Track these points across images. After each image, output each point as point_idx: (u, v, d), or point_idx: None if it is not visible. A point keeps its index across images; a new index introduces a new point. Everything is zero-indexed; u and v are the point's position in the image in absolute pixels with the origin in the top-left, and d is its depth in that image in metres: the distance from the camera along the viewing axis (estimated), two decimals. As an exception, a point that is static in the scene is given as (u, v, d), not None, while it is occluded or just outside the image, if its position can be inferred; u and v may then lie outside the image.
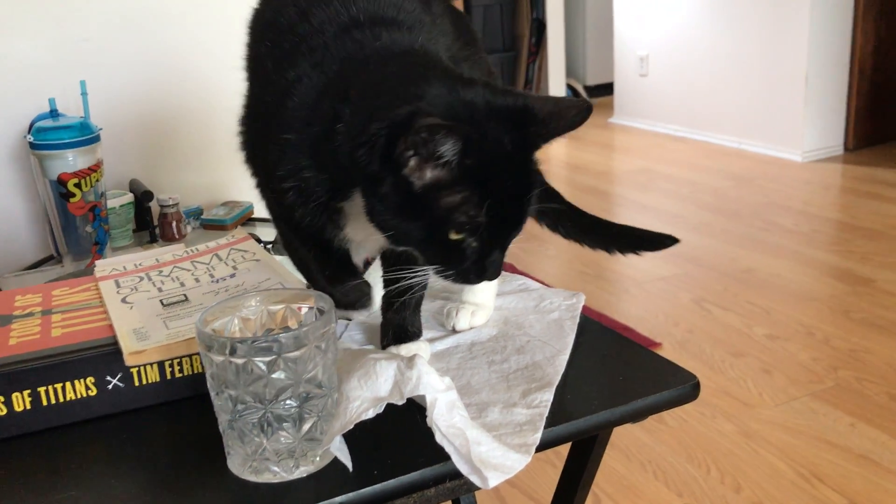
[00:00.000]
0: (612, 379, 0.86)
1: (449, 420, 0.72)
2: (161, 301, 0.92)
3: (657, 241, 1.05)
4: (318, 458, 0.73)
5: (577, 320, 0.98)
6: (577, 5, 6.35)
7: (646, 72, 5.36)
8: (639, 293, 2.88)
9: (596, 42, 6.22)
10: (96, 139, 1.61)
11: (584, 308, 1.02)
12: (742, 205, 3.74)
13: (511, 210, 0.76)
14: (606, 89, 5.95)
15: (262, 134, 0.87)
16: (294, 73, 0.81)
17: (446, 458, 0.70)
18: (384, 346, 0.93)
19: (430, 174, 0.72)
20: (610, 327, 1.02)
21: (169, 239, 1.78)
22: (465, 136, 0.69)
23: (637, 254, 1.08)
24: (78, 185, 1.57)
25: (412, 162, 0.71)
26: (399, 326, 0.93)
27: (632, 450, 1.94)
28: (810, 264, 3.03)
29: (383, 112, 0.72)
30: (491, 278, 0.79)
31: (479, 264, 0.78)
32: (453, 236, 0.75)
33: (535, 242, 3.40)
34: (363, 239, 0.87)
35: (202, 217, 1.90)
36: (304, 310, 0.77)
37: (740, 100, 4.69)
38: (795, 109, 4.34)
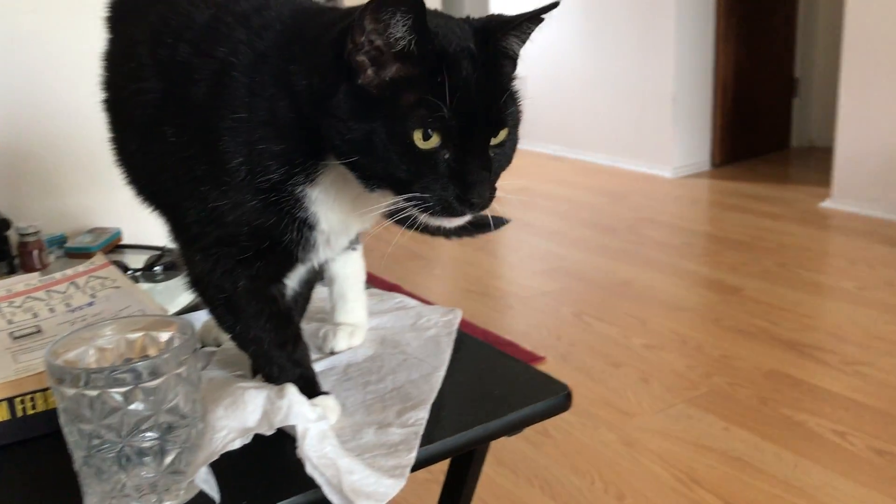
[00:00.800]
0: (487, 394, 0.87)
1: (320, 450, 0.70)
2: (11, 334, 0.86)
3: (488, 224, 0.95)
4: (182, 492, 0.69)
5: (454, 336, 0.98)
6: (456, 28, 6.45)
7: (523, 94, 5.49)
8: (522, 309, 2.92)
9: (475, 64, 6.34)
10: (-56, 165, 1.50)
11: (467, 325, 1.02)
12: (617, 220, 3.87)
13: (483, 110, 0.71)
14: (487, 110, 6.07)
15: (187, 133, 0.76)
16: (220, 56, 0.74)
17: (319, 486, 0.68)
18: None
19: (386, 72, 0.68)
20: (493, 343, 1.02)
21: (29, 269, 1.68)
22: (413, 7, 0.65)
23: (472, 236, 1.02)
24: (-77, 214, 1.46)
25: (364, 62, 0.68)
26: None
27: (519, 465, 1.95)
28: (682, 275, 3.16)
29: (329, 34, 0.70)
30: (479, 201, 0.72)
31: (460, 180, 0.71)
32: (420, 142, 0.68)
33: (421, 262, 3.41)
34: (336, 225, 0.79)
35: (66, 245, 1.81)
36: (165, 337, 0.74)
37: (613, 120, 4.87)
38: (665, 128, 4.54)
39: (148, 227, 1.87)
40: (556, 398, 0.84)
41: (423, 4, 0.66)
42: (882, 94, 3.56)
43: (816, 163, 4.56)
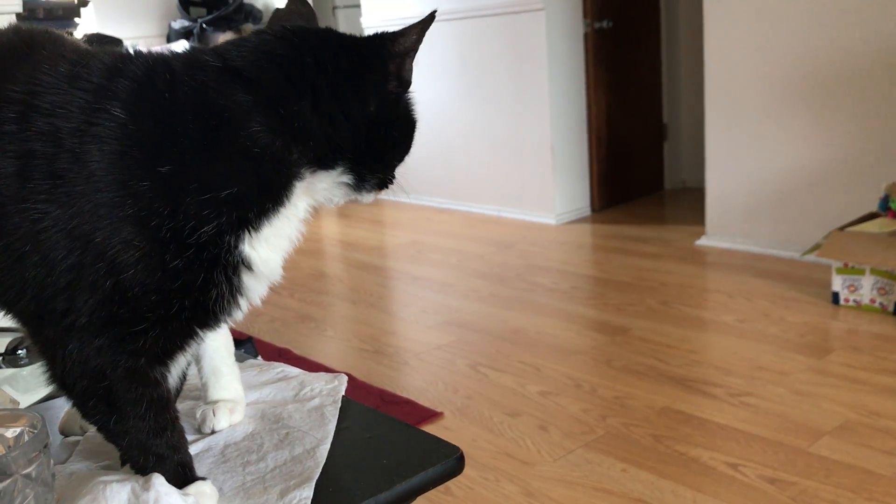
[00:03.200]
0: (376, 463, 0.83)
1: (194, 541, 0.64)
2: None
3: None
4: None
5: (339, 405, 0.94)
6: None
7: (407, 148, 5.53)
8: (418, 364, 2.89)
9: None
10: None
11: (362, 386, 0.98)
12: (506, 269, 3.92)
13: None
14: (371, 167, 6.08)
15: (77, 202, 0.68)
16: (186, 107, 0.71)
17: (192, 582, 0.62)
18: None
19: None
20: (389, 402, 0.98)
21: None
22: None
23: None
24: None
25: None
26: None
27: (421, 527, 1.90)
28: (572, 319, 3.20)
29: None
30: None
31: None
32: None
33: (311, 323, 3.33)
34: (272, 266, 0.76)
35: (-84, 333, 1.66)
36: (13, 433, 0.67)
37: (495, 171, 4.96)
38: (545, 176, 4.66)
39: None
40: (447, 462, 0.81)
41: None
42: (745, 135, 3.77)
43: (690, 203, 4.76)
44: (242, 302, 0.76)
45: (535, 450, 2.21)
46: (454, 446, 0.84)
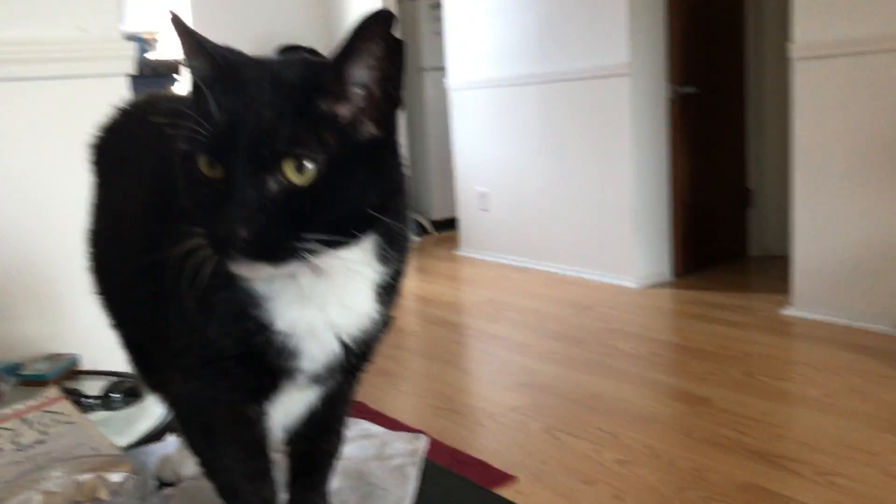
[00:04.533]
0: (456, 527, 0.83)
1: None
2: (-47, 477, 0.82)
3: None
4: None
5: (420, 465, 0.95)
6: (420, 145, 6.61)
7: (486, 207, 5.59)
8: (492, 425, 2.88)
9: (440, 179, 6.47)
10: None
11: (435, 444, 0.99)
12: (584, 331, 3.88)
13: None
14: (452, 223, 6.15)
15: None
16: None
17: None
18: None
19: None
20: (462, 463, 0.99)
21: (-20, 400, 1.62)
22: None
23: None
24: None
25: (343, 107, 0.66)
26: None
27: (491, 593, 1.87)
28: (652, 386, 3.14)
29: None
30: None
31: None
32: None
33: (386, 377, 3.36)
34: (300, 329, 0.72)
35: (21, 373, 1.76)
36: (118, 478, 0.70)
37: (575, 231, 4.95)
38: (626, 239, 4.63)
39: (106, 353, 1.83)
40: (526, 530, 0.81)
41: None
42: (833, 202, 3.68)
43: (775, 271, 4.65)
44: (291, 358, 0.73)
45: (611, 520, 2.16)
46: (534, 514, 0.84)
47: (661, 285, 4.65)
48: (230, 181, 0.62)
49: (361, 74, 0.66)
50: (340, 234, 0.65)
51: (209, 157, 0.64)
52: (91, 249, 0.94)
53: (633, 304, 4.33)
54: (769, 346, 3.52)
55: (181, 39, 0.67)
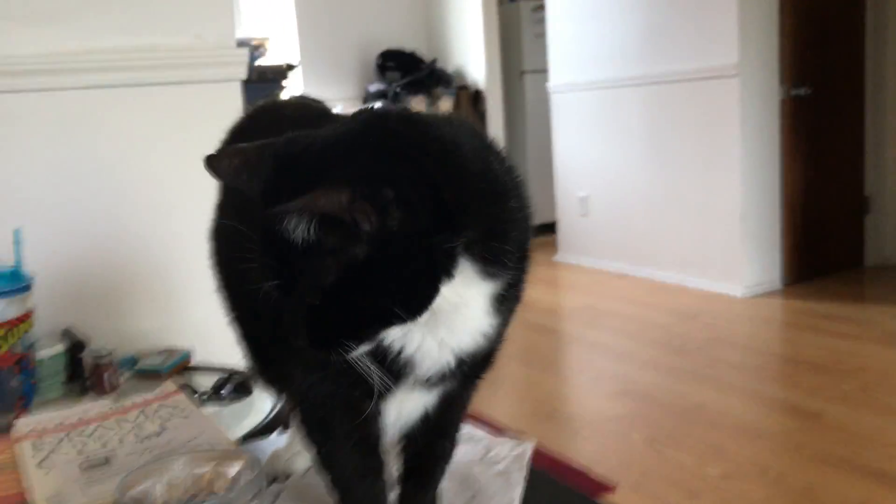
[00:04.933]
0: (562, 536, 0.82)
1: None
2: (80, 465, 0.86)
3: None
4: None
5: (525, 472, 0.94)
6: (519, 150, 6.59)
7: (586, 211, 5.52)
8: (590, 434, 2.83)
9: (538, 184, 6.43)
10: (27, 288, 1.56)
11: (537, 451, 0.98)
12: (688, 340, 3.78)
13: None
14: (550, 228, 6.10)
15: None
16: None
17: None
18: None
19: None
20: (563, 472, 0.97)
21: (100, 390, 1.70)
22: None
23: None
24: (5, 337, 1.51)
25: None
26: None
27: None
28: (759, 400, 3.03)
29: None
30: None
31: None
32: None
33: (485, 382, 3.35)
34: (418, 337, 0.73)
35: (137, 366, 1.84)
36: (233, 471, 0.72)
37: (679, 237, 4.83)
38: (733, 246, 4.48)
39: (216, 348, 1.90)
40: (635, 544, 0.79)
41: None
42: (960, 212, 3.46)
43: (893, 282, 4.41)
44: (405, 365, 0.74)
45: (715, 536, 2.09)
46: (643, 528, 0.81)
47: (770, 294, 4.48)
48: None
49: None
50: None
51: None
52: (214, 245, 0.96)
53: (739, 314, 4.19)
54: (887, 360, 3.34)
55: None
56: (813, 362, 3.37)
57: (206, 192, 1.03)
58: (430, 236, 0.64)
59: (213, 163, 0.68)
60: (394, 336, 0.70)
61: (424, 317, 0.67)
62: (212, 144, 1.01)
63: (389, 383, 0.74)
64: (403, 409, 0.79)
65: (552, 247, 5.92)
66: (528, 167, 6.54)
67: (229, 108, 1.87)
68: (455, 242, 0.66)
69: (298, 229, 0.63)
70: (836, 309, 4.11)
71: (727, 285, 4.53)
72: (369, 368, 0.71)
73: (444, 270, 0.66)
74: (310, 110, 0.90)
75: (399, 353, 0.73)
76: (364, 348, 0.68)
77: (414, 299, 0.66)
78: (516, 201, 0.72)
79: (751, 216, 4.46)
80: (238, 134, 0.99)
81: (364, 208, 0.62)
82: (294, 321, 0.66)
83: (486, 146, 0.74)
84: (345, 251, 0.63)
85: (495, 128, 5.91)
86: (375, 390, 0.73)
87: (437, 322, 0.71)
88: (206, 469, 0.73)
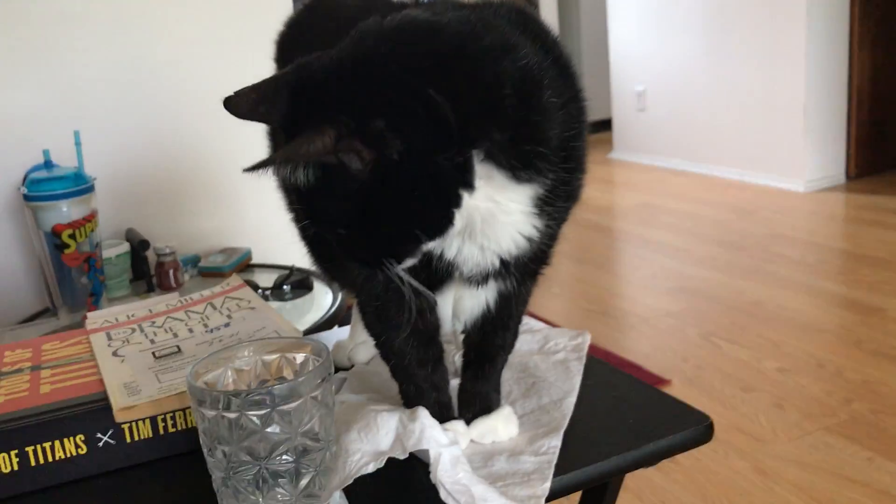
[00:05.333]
0: (622, 422, 0.83)
1: (453, 476, 0.68)
2: (153, 353, 0.89)
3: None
4: (316, 516, 0.69)
5: (584, 361, 0.95)
6: (573, 42, 6.40)
7: (643, 107, 5.38)
8: (646, 329, 2.84)
9: (593, 78, 6.26)
10: (90, 189, 1.59)
11: (591, 346, 0.99)
12: (746, 237, 3.72)
13: None
14: (605, 125, 5.98)
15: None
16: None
17: (451, 512, 0.67)
18: (468, 421, 0.81)
19: None
20: (617, 366, 0.98)
21: (166, 288, 1.76)
22: None
23: None
24: (72, 236, 1.55)
25: None
26: (485, 396, 0.83)
27: (645, 491, 1.89)
28: (818, 295, 2.99)
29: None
30: None
31: None
32: None
33: (542, 279, 3.36)
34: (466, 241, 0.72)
35: (199, 265, 1.88)
36: (300, 359, 0.74)
37: (739, 132, 4.69)
38: (795, 139, 4.34)
39: (275, 247, 1.93)
40: (696, 429, 0.80)
41: None
42: None
43: (965, 174, 4.25)
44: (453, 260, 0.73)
45: (770, 428, 2.11)
46: (703, 413, 0.82)
47: (833, 189, 4.36)
48: None
49: None
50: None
51: None
52: (271, 144, 0.96)
53: (800, 209, 4.09)
54: (954, 255, 3.26)
55: None
56: (876, 257, 3.30)
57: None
58: (435, 155, 0.62)
59: (230, 104, 0.66)
60: (433, 245, 0.69)
61: (459, 225, 0.67)
62: (267, 40, 0.99)
63: (427, 295, 0.75)
64: (461, 304, 0.80)
65: (607, 144, 5.81)
66: (583, 60, 6.36)
67: (279, 2, 1.85)
68: (464, 156, 0.64)
69: (295, 176, 0.62)
70: (901, 203, 3.99)
71: (788, 180, 4.41)
72: (404, 283, 0.71)
73: (462, 184, 0.64)
74: None
75: (441, 257, 0.73)
76: (407, 263, 0.68)
77: (432, 220, 0.65)
78: (557, 95, 0.67)
79: (814, 108, 4.29)
80: (294, 28, 0.97)
81: (353, 146, 0.61)
82: (333, 246, 0.67)
83: (533, 34, 0.69)
84: (347, 187, 0.63)
85: (548, 15, 5.74)
86: (408, 297, 0.73)
87: (475, 228, 0.69)
88: (274, 357, 0.75)
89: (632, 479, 1.91)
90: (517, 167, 0.66)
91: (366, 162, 0.61)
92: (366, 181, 0.62)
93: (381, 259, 0.67)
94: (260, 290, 1.71)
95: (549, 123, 0.67)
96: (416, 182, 0.63)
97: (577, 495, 0.92)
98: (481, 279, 0.77)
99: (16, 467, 0.77)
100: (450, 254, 0.73)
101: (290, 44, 0.96)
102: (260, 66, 1.01)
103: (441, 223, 0.65)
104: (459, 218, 0.66)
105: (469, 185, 0.65)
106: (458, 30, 0.66)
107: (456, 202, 0.65)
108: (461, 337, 0.85)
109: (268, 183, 1.04)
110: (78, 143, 1.65)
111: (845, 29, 4.26)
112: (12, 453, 0.77)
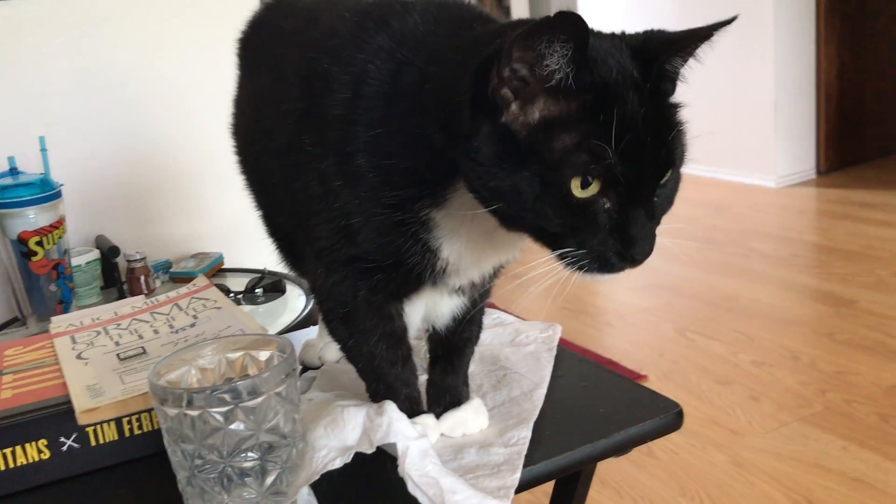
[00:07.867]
0: (592, 411, 0.83)
1: (422, 469, 0.68)
2: (118, 355, 0.88)
3: None
4: (284, 513, 0.68)
5: (555, 352, 0.95)
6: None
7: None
8: (622, 326, 2.85)
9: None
10: (57, 195, 1.57)
11: (566, 343, 0.99)
12: (720, 232, 3.75)
13: (651, 151, 0.61)
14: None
15: (323, 146, 0.71)
16: (359, 63, 0.69)
17: (420, 505, 0.66)
18: (438, 415, 0.81)
19: (536, 111, 0.59)
20: (592, 360, 0.98)
21: (137, 294, 1.74)
22: (575, 34, 0.56)
23: None
24: (39, 244, 1.53)
25: (510, 98, 0.59)
26: (454, 389, 0.83)
27: (623, 486, 1.89)
28: (791, 288, 3.02)
29: (472, 59, 0.60)
30: (640, 254, 0.64)
31: (622, 233, 0.62)
32: (578, 191, 0.60)
33: (514, 279, 3.37)
34: (463, 254, 0.73)
35: (171, 270, 1.86)
36: (265, 356, 0.73)
37: (711, 129, 4.70)
38: (766, 136, 4.38)
39: (247, 252, 1.91)
40: (666, 416, 0.80)
41: (587, 31, 0.57)
42: None
43: (932, 167, 4.31)
44: (445, 276, 0.75)
45: (746, 420, 2.12)
46: (673, 401, 0.82)
47: (804, 184, 4.40)
48: (629, 201, 0.63)
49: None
50: None
51: (603, 181, 0.60)
52: (235, 143, 0.95)
53: (772, 204, 4.13)
54: (923, 246, 3.30)
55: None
56: (847, 250, 3.33)
57: (227, 93, 1.01)
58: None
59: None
60: (453, 250, 0.72)
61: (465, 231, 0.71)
62: (229, 41, 0.99)
63: (417, 288, 0.77)
64: (437, 310, 0.81)
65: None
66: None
67: (244, 3, 1.83)
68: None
69: None
70: (871, 197, 4.04)
71: (760, 176, 4.45)
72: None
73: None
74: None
75: (437, 261, 0.73)
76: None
77: None
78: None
79: (784, 104, 4.33)
80: (256, 27, 0.97)
81: None
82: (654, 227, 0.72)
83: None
84: None
85: (520, 15, 5.74)
86: (400, 294, 0.78)
87: (488, 242, 0.74)
88: (238, 354, 0.74)
89: (611, 474, 1.92)
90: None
91: None
92: None
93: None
94: (232, 294, 1.69)
95: None
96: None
97: (550, 485, 0.91)
98: (467, 288, 0.80)
99: (-23, 474, 0.76)
100: (448, 256, 0.73)
101: (251, 43, 0.96)
102: (228, 68, 1.00)
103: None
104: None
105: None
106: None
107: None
108: (427, 334, 0.85)
109: (236, 186, 1.03)
110: (44, 150, 1.63)
111: (812, 26, 4.31)
112: (-27, 460, 0.76)
